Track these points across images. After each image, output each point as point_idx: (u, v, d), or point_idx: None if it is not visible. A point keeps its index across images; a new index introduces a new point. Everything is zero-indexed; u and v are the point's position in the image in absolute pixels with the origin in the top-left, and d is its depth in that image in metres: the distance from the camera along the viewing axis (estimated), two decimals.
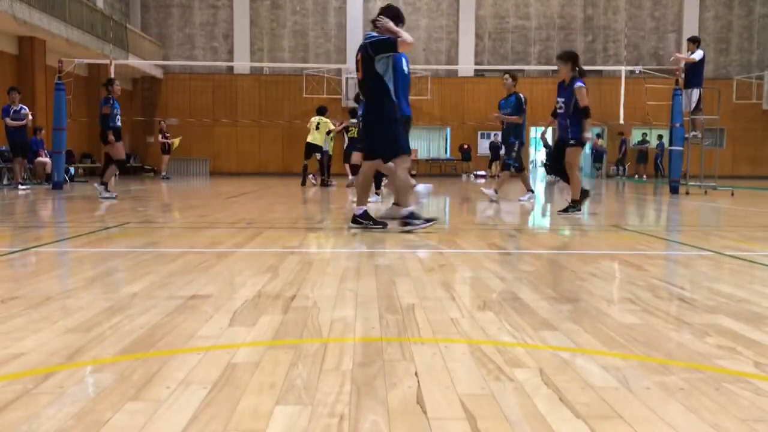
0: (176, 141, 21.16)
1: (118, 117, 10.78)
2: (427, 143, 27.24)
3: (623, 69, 17.32)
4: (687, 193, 12.39)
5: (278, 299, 2.91)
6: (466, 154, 25.76)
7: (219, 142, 26.02)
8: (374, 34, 5.68)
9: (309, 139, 15.37)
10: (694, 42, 12.33)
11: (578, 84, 7.65)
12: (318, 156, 15.38)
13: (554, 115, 8.13)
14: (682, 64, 12.59)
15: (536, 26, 26.84)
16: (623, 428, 1.54)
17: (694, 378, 1.89)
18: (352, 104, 21.38)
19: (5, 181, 14.97)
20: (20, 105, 13.46)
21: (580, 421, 1.57)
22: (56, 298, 2.93)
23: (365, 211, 5.80)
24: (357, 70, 5.85)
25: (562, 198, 9.81)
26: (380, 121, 5.70)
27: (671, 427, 1.55)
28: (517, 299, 2.97)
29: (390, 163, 5.86)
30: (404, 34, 5.46)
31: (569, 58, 7.80)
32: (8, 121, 13.17)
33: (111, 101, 10.66)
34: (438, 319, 2.57)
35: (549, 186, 17.55)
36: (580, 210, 7.68)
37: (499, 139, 24.53)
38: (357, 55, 5.80)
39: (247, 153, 26.07)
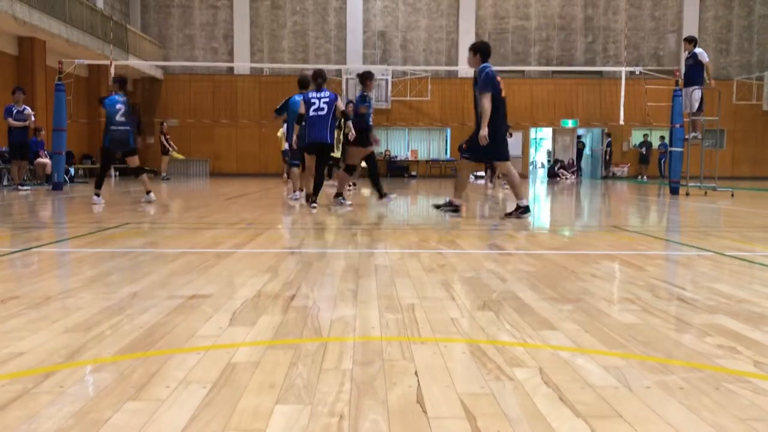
0: (176, 153, 21.01)
1: (370, 116, 9.79)
2: (427, 144, 27.24)
3: (623, 69, 17.33)
4: (687, 194, 12.38)
5: (278, 299, 2.91)
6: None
7: (219, 143, 26.02)
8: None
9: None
10: (691, 42, 12.35)
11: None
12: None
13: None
14: (683, 70, 12.60)
15: (536, 26, 26.84)
16: (623, 428, 1.54)
17: (694, 377, 1.89)
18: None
19: (5, 182, 14.97)
20: (23, 106, 13.47)
21: (580, 421, 1.57)
22: (56, 298, 2.93)
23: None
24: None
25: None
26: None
27: (671, 426, 1.55)
28: (517, 299, 2.97)
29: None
30: None
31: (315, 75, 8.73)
32: (11, 121, 13.18)
33: (367, 99, 9.62)
34: (438, 319, 2.57)
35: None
36: (315, 205, 8.38)
37: None
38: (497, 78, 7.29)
39: (248, 154, 26.06)
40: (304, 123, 8.71)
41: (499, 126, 7.28)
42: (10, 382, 1.81)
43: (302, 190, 9.79)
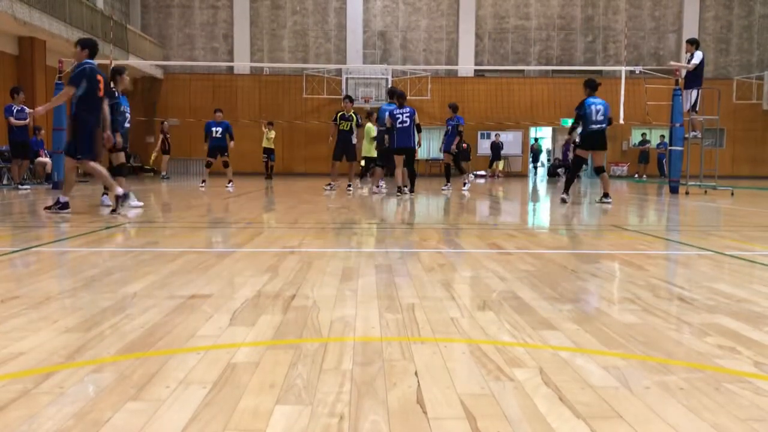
0: (153, 155, 20.91)
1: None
2: (427, 143, 27.21)
3: (623, 69, 17.32)
4: (687, 193, 12.38)
5: (278, 299, 2.91)
6: (465, 153, 25.73)
7: None
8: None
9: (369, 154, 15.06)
10: (692, 44, 12.33)
11: None
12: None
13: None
14: (683, 72, 12.60)
15: (536, 26, 26.84)
16: (623, 428, 1.54)
17: (694, 378, 1.89)
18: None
19: (5, 181, 14.97)
20: (21, 105, 13.47)
21: (579, 421, 1.57)
22: (56, 298, 2.93)
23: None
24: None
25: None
26: None
27: (671, 426, 1.55)
28: (517, 299, 2.97)
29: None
30: None
31: None
32: (12, 120, 13.19)
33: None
34: (438, 319, 2.57)
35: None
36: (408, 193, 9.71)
37: (500, 139, 24.70)
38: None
39: (247, 153, 26.03)
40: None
41: (94, 123, 7.44)
42: (10, 382, 1.81)
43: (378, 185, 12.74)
